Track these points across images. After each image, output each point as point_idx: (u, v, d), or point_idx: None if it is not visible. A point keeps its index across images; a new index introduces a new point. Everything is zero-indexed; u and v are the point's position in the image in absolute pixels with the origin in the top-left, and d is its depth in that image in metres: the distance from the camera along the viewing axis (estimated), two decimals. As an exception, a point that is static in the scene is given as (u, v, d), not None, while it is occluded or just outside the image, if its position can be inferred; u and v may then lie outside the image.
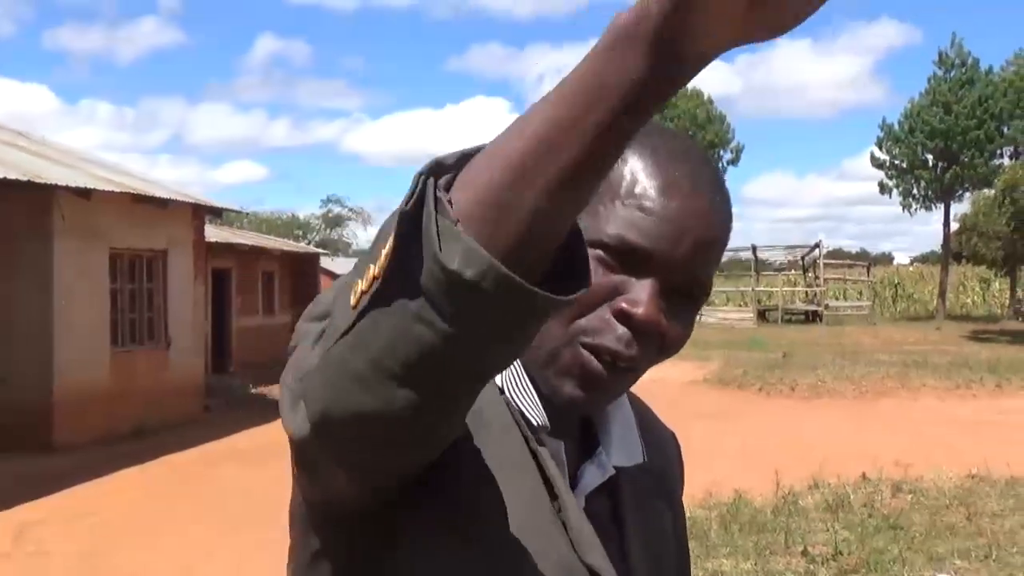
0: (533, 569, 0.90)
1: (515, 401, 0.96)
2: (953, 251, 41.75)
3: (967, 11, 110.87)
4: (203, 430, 12.72)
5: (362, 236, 76.41)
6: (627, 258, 0.92)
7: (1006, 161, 38.70)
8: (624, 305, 0.91)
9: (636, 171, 0.93)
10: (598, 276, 0.91)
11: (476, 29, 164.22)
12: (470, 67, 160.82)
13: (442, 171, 0.65)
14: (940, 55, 40.81)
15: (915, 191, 41.64)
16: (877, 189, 42.76)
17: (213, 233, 17.87)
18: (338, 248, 61.24)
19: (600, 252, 0.92)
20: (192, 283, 14.76)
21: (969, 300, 46.57)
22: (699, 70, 0.59)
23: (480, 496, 0.90)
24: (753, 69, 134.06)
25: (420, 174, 0.64)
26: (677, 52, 0.57)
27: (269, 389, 17.24)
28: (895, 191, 42.05)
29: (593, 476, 1.01)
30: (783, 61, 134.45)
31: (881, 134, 42.07)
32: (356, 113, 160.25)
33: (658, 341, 0.94)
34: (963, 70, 40.15)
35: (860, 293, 43.99)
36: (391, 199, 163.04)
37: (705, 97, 51.53)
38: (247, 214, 28.06)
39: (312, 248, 29.49)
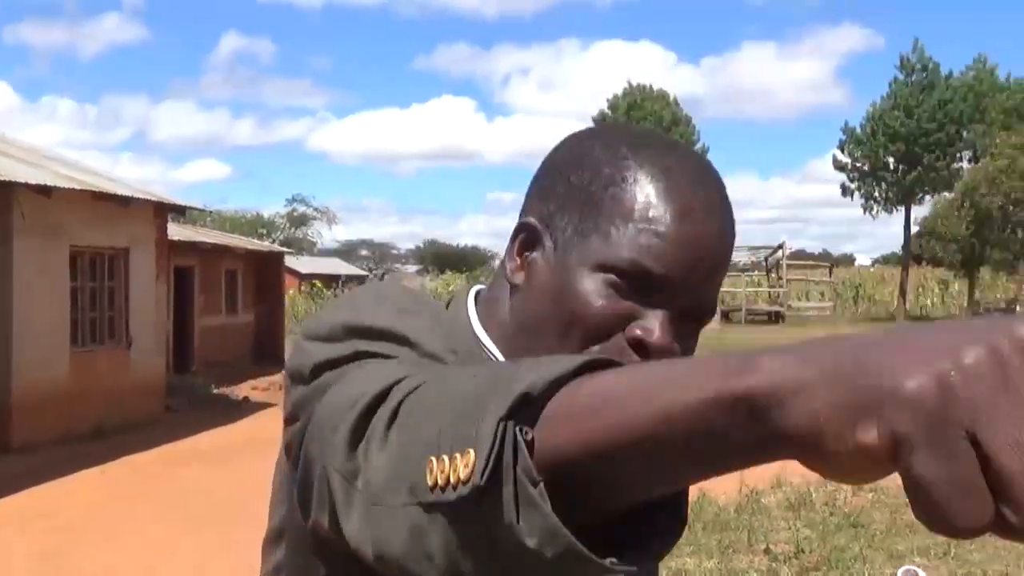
0: None
1: None
2: (913, 253, 42.38)
3: (928, 17, 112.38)
4: (164, 430, 12.60)
5: (327, 235, 76.10)
6: (640, 284, 0.90)
7: (965, 165, 39.31)
8: (639, 333, 0.90)
9: (650, 194, 0.91)
10: (611, 301, 0.90)
11: (443, 28, 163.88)
12: (437, 66, 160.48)
13: (526, 405, 0.59)
14: (902, 60, 41.39)
15: (876, 193, 42.19)
16: (839, 191, 43.28)
17: (176, 231, 17.71)
18: (303, 247, 60.97)
19: (613, 276, 0.90)
20: (154, 282, 14.63)
21: (928, 301, 47.20)
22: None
23: None
24: (719, 71, 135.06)
25: (500, 418, 0.58)
26: (787, 456, 0.51)
27: (231, 389, 17.12)
28: (857, 193, 42.56)
29: None
30: (748, 64, 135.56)
31: (844, 137, 42.58)
32: (322, 112, 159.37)
33: None
34: (924, 75, 40.74)
35: (822, 294, 44.43)
36: (357, 198, 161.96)
37: (671, 98, 51.86)
38: (211, 212, 27.84)
39: (276, 247, 29.28)
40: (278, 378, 18.51)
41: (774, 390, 0.48)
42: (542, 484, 0.56)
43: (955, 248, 36.92)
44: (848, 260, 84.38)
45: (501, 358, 0.95)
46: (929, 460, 0.41)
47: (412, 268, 78.33)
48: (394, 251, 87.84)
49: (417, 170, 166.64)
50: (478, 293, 1.03)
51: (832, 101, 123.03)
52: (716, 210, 0.93)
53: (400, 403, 0.69)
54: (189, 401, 15.23)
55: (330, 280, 52.92)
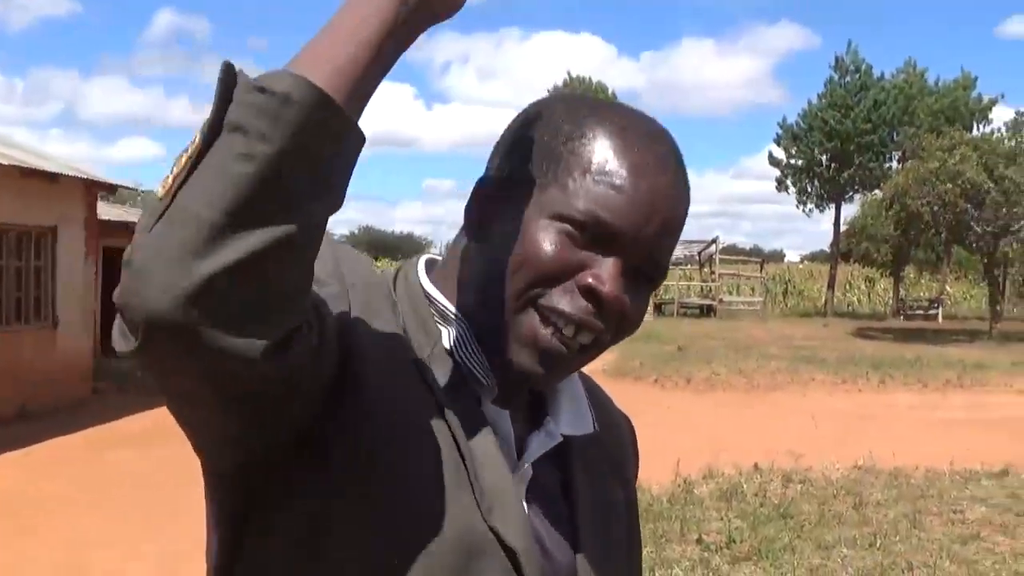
0: (429, 530, 0.88)
1: (465, 362, 0.95)
2: (841, 251, 43.19)
3: (863, 19, 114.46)
4: (91, 413, 12.32)
5: (260, 219, 75.18)
6: (595, 234, 0.92)
7: (895, 165, 40.16)
8: (591, 280, 0.92)
9: (607, 149, 0.94)
10: (565, 248, 0.92)
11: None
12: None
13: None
14: (837, 60, 42.11)
15: (810, 190, 42.90)
16: (772, 188, 44.02)
17: (106, 211, 17.30)
18: (235, 230, 60.20)
19: (568, 226, 0.92)
20: (83, 261, 14.27)
21: (855, 298, 48.21)
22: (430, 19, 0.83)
23: (378, 455, 0.88)
24: (658, 66, 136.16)
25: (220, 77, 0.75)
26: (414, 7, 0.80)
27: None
28: (792, 189, 43.24)
29: (540, 444, 1.01)
30: (687, 60, 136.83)
31: (780, 132, 43.20)
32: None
33: (618, 320, 0.94)
34: (857, 76, 41.49)
35: (753, 289, 45.12)
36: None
37: (610, 92, 52.09)
38: (142, 192, 27.24)
39: (209, 229, 28.85)
40: (209, 362, 18.26)
41: None
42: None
43: (883, 247, 37.74)
44: (778, 256, 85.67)
45: (451, 307, 0.97)
46: None
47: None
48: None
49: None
50: (431, 261, 1.06)
51: (768, 99, 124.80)
52: (671, 168, 0.96)
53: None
54: (116, 384, 14.90)
55: (263, 264, 52.36)
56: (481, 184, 1.00)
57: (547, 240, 0.92)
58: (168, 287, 0.71)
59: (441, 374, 0.94)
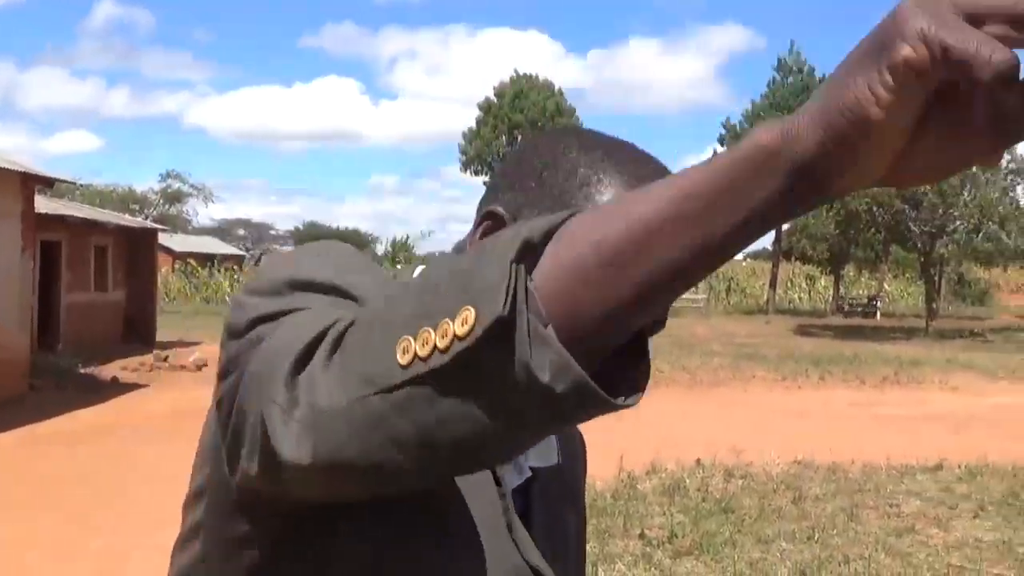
0: (492, 571, 0.91)
1: None
2: (783, 249, 43.85)
3: (807, 20, 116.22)
4: (27, 410, 12.06)
5: (203, 213, 74.03)
6: None
7: (835, 165, 40.82)
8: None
9: (604, 186, 0.94)
10: None
11: (331, 7, 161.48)
12: (323, 45, 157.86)
13: (530, 252, 0.59)
14: (779, 61, 42.74)
15: (751, 190, 43.50)
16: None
17: (43, 204, 16.96)
18: (177, 225, 59.24)
19: None
20: (19, 256, 13.98)
21: (796, 296, 48.97)
22: (834, 199, 0.59)
23: (442, 492, 0.89)
24: (604, 64, 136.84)
25: (512, 261, 0.58)
26: (821, 185, 0.55)
27: (99, 369, 16.53)
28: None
29: (512, 478, 1.01)
30: (633, 58, 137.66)
31: (724, 131, 43.70)
32: (201, 86, 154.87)
33: None
34: (800, 77, 42.12)
35: (696, 286, 45.58)
36: (235, 176, 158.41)
37: (556, 89, 52.24)
38: (80, 186, 26.72)
39: (150, 223, 28.37)
40: (149, 358, 17.96)
41: (784, 131, 0.54)
42: (550, 326, 0.57)
43: (823, 246, 38.41)
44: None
45: None
46: (949, 33, 0.50)
47: (291, 249, 76.94)
48: (272, 231, 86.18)
49: (298, 150, 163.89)
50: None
51: (713, 98, 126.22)
52: None
53: (346, 328, 0.67)
54: (54, 380, 14.62)
55: (205, 259, 51.60)
56: (487, 218, 0.98)
57: None
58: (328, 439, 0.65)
59: None
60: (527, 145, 1.03)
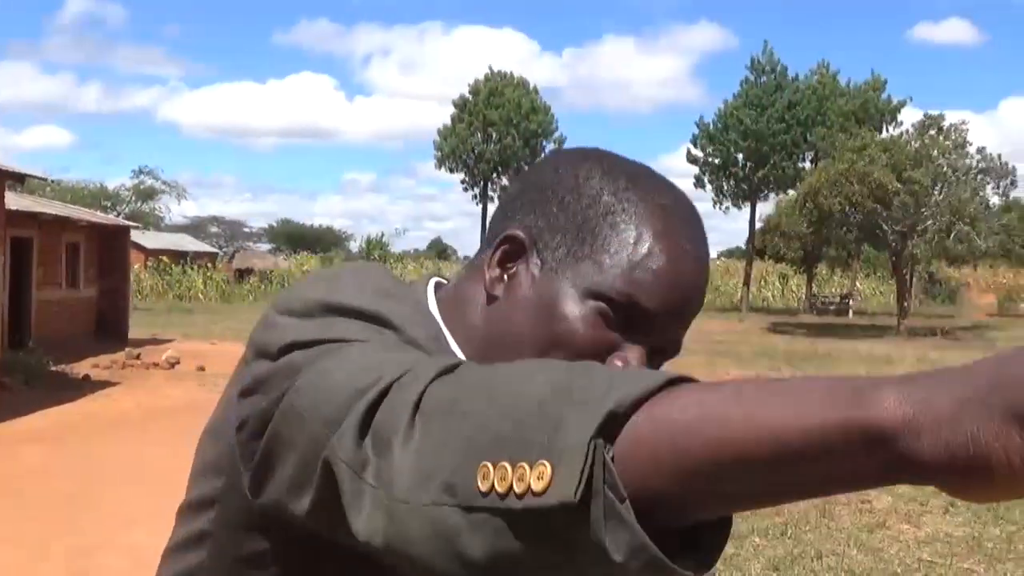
0: None
1: None
2: (757, 248, 44.12)
3: (779, 20, 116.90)
4: (-2, 408, 11.95)
5: (175, 210, 73.46)
6: (628, 316, 0.92)
7: (808, 165, 41.14)
8: (619, 364, 0.91)
9: (648, 231, 0.93)
10: (598, 330, 0.91)
11: (305, 3, 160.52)
12: (297, 42, 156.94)
13: (615, 424, 0.58)
14: (752, 60, 43.02)
15: (726, 188, 43.70)
16: (688, 185, 44.63)
17: (13, 201, 16.79)
18: (149, 222, 58.79)
19: (603, 305, 0.91)
20: (-11, 252, 13.84)
21: (769, 294, 49.29)
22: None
23: None
24: (579, 62, 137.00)
25: (591, 438, 0.57)
26: (914, 480, 0.51)
27: (71, 366, 16.38)
28: (708, 187, 43.99)
29: None
30: (608, 57, 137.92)
31: (697, 131, 43.90)
32: (174, 82, 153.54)
33: None
34: (773, 76, 42.38)
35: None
36: (208, 173, 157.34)
37: (531, 87, 52.27)
38: (52, 182, 26.48)
39: (122, 220, 28.15)
40: (121, 356, 17.81)
41: (907, 421, 0.49)
42: (628, 501, 0.56)
43: (796, 245, 38.68)
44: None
45: (461, 355, 0.93)
46: None
47: (264, 247, 76.54)
48: (246, 229, 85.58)
49: (272, 147, 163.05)
50: (438, 285, 1.02)
51: (687, 97, 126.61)
52: (703, 257, 0.96)
53: (421, 395, 0.67)
54: (25, 378, 14.48)
55: (178, 256, 51.24)
56: (506, 241, 0.97)
57: (583, 319, 0.91)
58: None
59: None
60: (547, 166, 1.01)
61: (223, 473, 0.90)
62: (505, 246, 0.96)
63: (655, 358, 0.95)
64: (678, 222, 0.95)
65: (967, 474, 0.48)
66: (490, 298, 0.96)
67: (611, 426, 0.58)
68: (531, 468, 0.58)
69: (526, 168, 0.99)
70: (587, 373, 0.63)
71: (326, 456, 0.71)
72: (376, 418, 0.68)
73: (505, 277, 0.95)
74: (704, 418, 0.56)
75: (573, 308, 0.91)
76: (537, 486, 0.58)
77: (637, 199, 0.94)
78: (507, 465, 0.60)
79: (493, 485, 0.60)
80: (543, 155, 1.10)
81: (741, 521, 7.04)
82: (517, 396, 0.64)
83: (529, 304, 0.93)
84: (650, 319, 0.92)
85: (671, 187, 0.99)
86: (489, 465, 0.61)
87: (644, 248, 0.92)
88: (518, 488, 0.59)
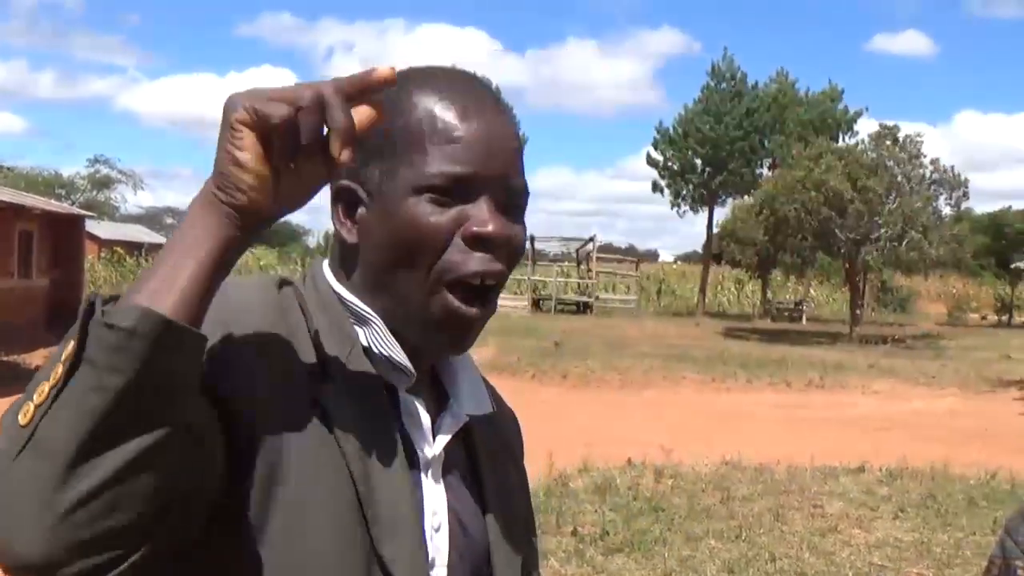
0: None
1: (386, 357, 1.01)
2: (713, 253, 44.47)
3: (741, 28, 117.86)
4: (-54, 399, 11.73)
5: (131, 200, 72.39)
6: (455, 189, 0.98)
7: (765, 172, 41.52)
8: (475, 228, 0.98)
9: (432, 111, 1.00)
10: (437, 213, 0.97)
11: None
12: (259, 35, 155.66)
13: (96, 303, 0.80)
14: (713, 67, 43.25)
15: (684, 193, 43.96)
16: (647, 189, 44.86)
17: (-34, 186, 16.47)
18: (104, 211, 57.86)
19: (429, 194, 0.97)
20: (-60, 239, 13.58)
21: (725, 299, 49.67)
22: (261, 227, 0.87)
23: (276, 517, 0.92)
24: (542, 64, 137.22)
25: (83, 311, 0.79)
26: (241, 222, 0.85)
27: (22, 357, 16.13)
28: (667, 191, 44.22)
29: (449, 425, 1.07)
30: (570, 59, 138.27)
31: (657, 136, 44.12)
32: (132, 71, 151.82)
33: (509, 251, 1.01)
34: (732, 83, 42.71)
35: (628, 287, 46.00)
36: (165, 163, 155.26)
37: (493, 87, 52.15)
38: (4, 168, 26.00)
39: (76, 209, 27.70)
40: (74, 348, 17.55)
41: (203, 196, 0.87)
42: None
43: (751, 251, 39.03)
44: (653, 256, 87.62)
45: (365, 307, 1.02)
46: (259, 103, 0.83)
47: None
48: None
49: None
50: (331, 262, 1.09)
51: (648, 101, 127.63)
52: (491, 104, 1.02)
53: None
54: (-26, 369, 14.23)
55: (133, 247, 50.55)
56: (337, 194, 1.03)
57: (418, 215, 0.97)
58: (36, 527, 0.75)
59: (353, 377, 0.98)
60: None
61: None
62: (341, 200, 1.03)
63: (511, 211, 1.01)
64: (454, 91, 1.01)
65: (227, 184, 0.85)
66: (353, 247, 1.02)
67: (94, 304, 0.80)
68: (50, 376, 0.78)
69: None
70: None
71: None
72: None
73: (354, 224, 1.02)
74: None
75: (408, 212, 0.97)
76: (67, 352, 0.78)
77: (414, 94, 1.01)
78: (43, 384, 0.78)
79: (35, 405, 0.77)
80: None
81: (696, 524, 7.13)
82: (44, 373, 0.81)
83: (380, 233, 0.99)
84: (473, 180, 0.98)
85: (444, 69, 1.06)
86: (28, 402, 0.78)
87: (435, 126, 0.98)
88: (39, 397, 0.78)
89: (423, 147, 0.98)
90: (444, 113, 0.99)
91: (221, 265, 0.85)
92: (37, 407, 0.76)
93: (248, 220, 0.85)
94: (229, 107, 0.82)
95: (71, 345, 0.77)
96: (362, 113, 0.86)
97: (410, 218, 0.97)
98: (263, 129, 0.82)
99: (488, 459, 1.12)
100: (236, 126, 0.82)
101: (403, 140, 0.99)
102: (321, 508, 0.93)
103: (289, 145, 0.82)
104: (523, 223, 1.04)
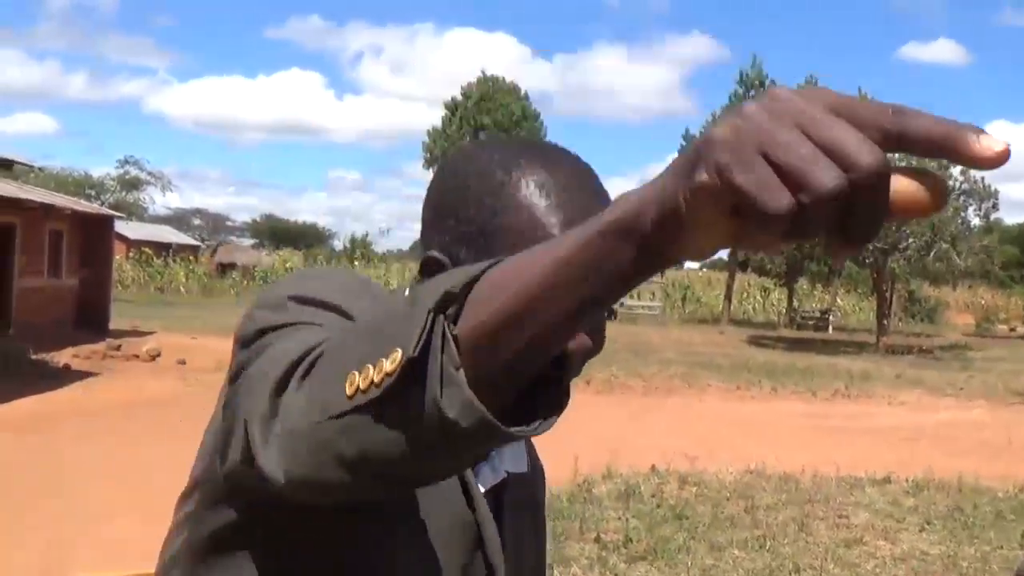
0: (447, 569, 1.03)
1: None
2: (739, 261, 44.25)
3: (771, 34, 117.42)
4: (-31, 397, 11.86)
5: (160, 201, 72.93)
6: None
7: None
8: (573, 347, 1.02)
9: (537, 217, 1.00)
10: None
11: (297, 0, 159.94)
12: (288, 38, 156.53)
13: (450, 302, 0.66)
14: (741, 74, 43.16)
15: (710, 201, 43.80)
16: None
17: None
18: (133, 212, 58.41)
19: None
20: (-28, 237, 13.74)
21: (750, 307, 49.41)
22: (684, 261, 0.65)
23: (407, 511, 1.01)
24: (570, 69, 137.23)
25: (430, 310, 0.66)
26: (663, 257, 0.61)
27: (51, 355, 16.28)
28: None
29: (487, 477, 1.10)
30: (599, 64, 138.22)
31: (684, 143, 44.01)
32: (163, 73, 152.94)
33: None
34: (761, 90, 42.45)
35: (653, 294, 45.86)
36: (193, 165, 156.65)
37: (522, 93, 52.30)
38: (35, 169, 26.27)
39: (106, 210, 27.94)
40: (102, 346, 17.71)
41: (635, 209, 0.59)
42: (463, 370, 0.64)
43: (778, 258, 38.79)
44: (678, 263, 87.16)
45: None
46: (740, 173, 0.53)
47: (247, 241, 76.19)
48: (229, 222, 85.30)
49: (259, 142, 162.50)
50: None
51: (678, 108, 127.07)
52: (596, 205, 1.00)
53: (321, 353, 0.76)
54: (4, 366, 14.38)
55: (160, 248, 50.99)
56: (427, 265, 1.05)
57: None
58: (320, 473, 0.73)
59: None
60: (439, 175, 1.09)
61: (207, 456, 1.00)
62: (428, 269, 1.05)
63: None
64: (558, 188, 1.00)
65: (667, 227, 0.58)
66: None
67: (448, 303, 0.66)
68: (387, 358, 0.67)
69: (434, 179, 1.04)
70: (425, 286, 0.70)
71: (247, 414, 0.80)
72: (288, 375, 0.77)
73: None
74: (511, 272, 0.65)
75: None
76: (390, 368, 0.66)
77: (513, 188, 1.00)
78: (369, 366, 0.68)
79: (358, 386, 0.69)
80: (444, 161, 1.07)
81: (720, 533, 7.09)
82: (375, 321, 0.73)
83: None
84: None
85: (548, 155, 1.03)
86: (355, 373, 0.69)
87: (532, 236, 0.97)
88: (376, 379, 0.67)
89: (521, 239, 0.97)
90: (549, 218, 0.99)
91: (603, 298, 0.69)
92: (359, 392, 0.69)
93: (660, 264, 0.64)
94: (702, 157, 0.56)
95: (396, 364, 0.66)
96: (905, 193, 0.55)
97: None
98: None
99: (512, 513, 1.16)
100: (698, 191, 0.57)
101: (501, 236, 0.99)
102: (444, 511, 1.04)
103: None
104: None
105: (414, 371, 0.65)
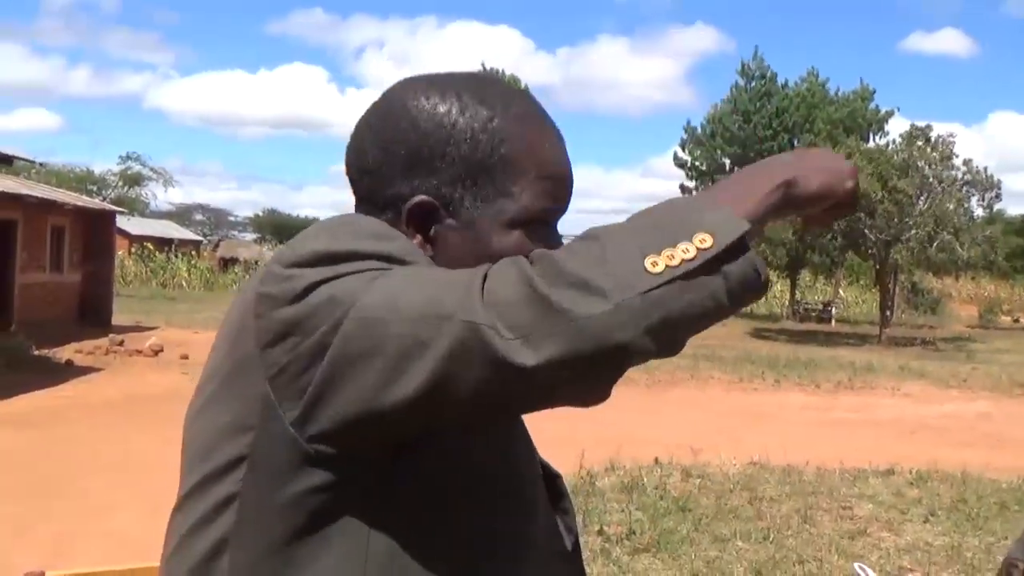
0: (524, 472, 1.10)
1: None
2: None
3: (774, 25, 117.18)
4: (-26, 392, 11.86)
5: (162, 196, 72.98)
6: (548, 220, 1.05)
7: (795, 172, 41.19)
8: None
9: (530, 144, 1.02)
10: (528, 247, 0.99)
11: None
12: (290, 32, 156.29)
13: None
14: (742, 66, 43.09)
15: (712, 193, 43.75)
16: (676, 189, 44.65)
17: (1, 182, 16.67)
18: (135, 207, 58.42)
19: (526, 227, 1.02)
20: (-26, 233, 13.74)
21: (753, 300, 49.40)
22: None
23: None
24: (573, 62, 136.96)
25: (743, 234, 0.86)
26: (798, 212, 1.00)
27: (54, 351, 16.29)
28: (695, 191, 44.04)
29: None
30: (602, 57, 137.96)
31: (685, 135, 43.96)
32: (164, 68, 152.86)
33: None
34: (762, 82, 42.46)
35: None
36: (195, 160, 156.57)
37: (522, 86, 52.20)
38: (37, 164, 26.26)
39: (108, 205, 27.93)
40: (104, 342, 17.71)
41: (795, 179, 0.97)
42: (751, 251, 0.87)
43: (780, 250, 38.79)
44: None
45: None
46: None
47: (249, 236, 76.16)
48: (231, 217, 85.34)
49: (261, 137, 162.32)
50: None
51: (680, 100, 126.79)
52: (559, 131, 1.08)
53: (543, 259, 0.84)
54: (7, 362, 14.39)
55: (162, 243, 51.00)
56: (417, 209, 1.01)
57: (516, 248, 0.99)
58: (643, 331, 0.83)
59: None
60: (399, 120, 1.03)
61: (250, 428, 0.92)
62: (417, 216, 1.01)
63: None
64: (539, 121, 1.05)
65: (812, 199, 0.98)
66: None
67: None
68: (691, 241, 0.83)
69: (368, 124, 1.11)
70: (689, 202, 0.90)
71: (457, 332, 0.81)
72: (495, 291, 0.82)
73: (429, 241, 1.02)
74: (740, 198, 0.93)
75: (504, 242, 1.00)
76: (704, 246, 0.83)
77: (503, 123, 1.01)
78: (669, 249, 0.83)
79: (666, 264, 0.82)
80: (378, 101, 1.05)
81: (723, 525, 7.08)
82: (635, 225, 0.87)
83: (465, 259, 0.97)
84: (561, 212, 1.06)
85: (513, 93, 1.06)
86: (654, 255, 0.82)
87: (540, 162, 1.02)
88: (688, 255, 0.83)
89: (525, 179, 1.01)
90: (541, 146, 1.03)
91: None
92: (669, 267, 0.82)
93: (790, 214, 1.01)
94: (848, 175, 1.00)
95: (710, 243, 0.84)
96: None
97: (506, 250, 0.98)
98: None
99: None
100: (841, 191, 1.00)
101: (502, 169, 1.00)
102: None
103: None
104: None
105: (738, 245, 0.84)
